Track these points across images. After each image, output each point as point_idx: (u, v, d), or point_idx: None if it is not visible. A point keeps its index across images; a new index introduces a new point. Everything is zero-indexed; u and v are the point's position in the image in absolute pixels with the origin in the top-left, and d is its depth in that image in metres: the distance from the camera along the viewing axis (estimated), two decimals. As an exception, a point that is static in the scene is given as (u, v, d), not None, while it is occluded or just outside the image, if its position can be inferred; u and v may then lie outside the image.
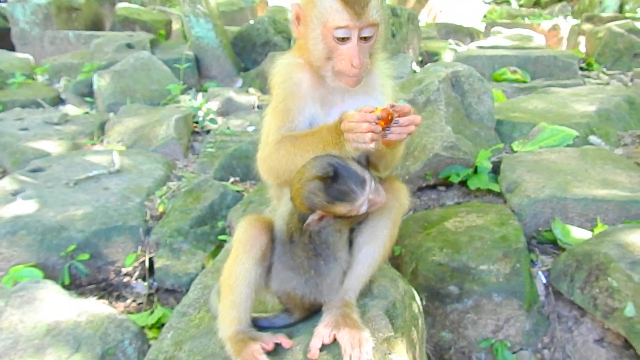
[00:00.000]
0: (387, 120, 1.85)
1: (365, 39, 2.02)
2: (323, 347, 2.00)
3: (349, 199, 1.92)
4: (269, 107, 2.22)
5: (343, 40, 2.00)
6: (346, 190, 1.91)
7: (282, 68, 2.18)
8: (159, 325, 3.49)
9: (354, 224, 2.15)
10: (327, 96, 2.13)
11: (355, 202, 1.93)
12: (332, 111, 2.10)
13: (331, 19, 1.98)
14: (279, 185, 2.23)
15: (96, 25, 11.13)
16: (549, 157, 4.15)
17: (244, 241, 2.13)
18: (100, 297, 3.76)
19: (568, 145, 4.46)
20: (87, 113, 6.55)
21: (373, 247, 2.18)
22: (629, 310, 2.71)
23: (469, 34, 12.48)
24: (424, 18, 16.26)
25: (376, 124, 1.82)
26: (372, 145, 1.83)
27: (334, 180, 1.90)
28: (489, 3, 21.75)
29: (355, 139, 1.84)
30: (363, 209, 1.97)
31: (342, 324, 2.01)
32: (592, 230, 3.42)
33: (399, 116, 1.86)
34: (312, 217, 1.97)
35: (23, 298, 2.91)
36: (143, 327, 3.31)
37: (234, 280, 2.10)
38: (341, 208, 1.94)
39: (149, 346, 2.92)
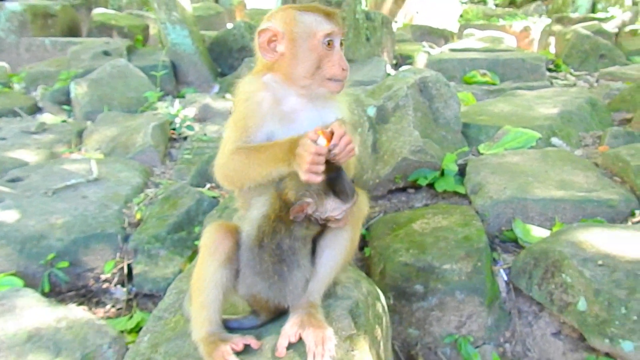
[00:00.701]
0: (329, 140, 2.01)
1: (341, 44, 2.25)
2: (290, 346, 2.13)
3: (341, 198, 2.12)
4: (230, 119, 2.35)
5: (329, 46, 2.20)
6: (343, 190, 2.12)
7: (245, 87, 2.32)
8: (137, 330, 3.59)
9: (314, 234, 2.29)
10: (287, 114, 2.26)
11: (345, 204, 2.13)
12: (290, 127, 2.23)
13: (319, 30, 2.18)
14: (237, 188, 2.37)
15: (73, 31, 11.13)
16: (512, 159, 4.33)
17: (209, 245, 2.26)
18: (80, 304, 3.85)
19: (531, 147, 4.65)
20: (64, 121, 6.62)
21: (334, 250, 2.32)
22: (581, 304, 2.89)
23: (443, 36, 12.68)
24: (401, 19, 16.44)
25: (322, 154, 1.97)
26: (317, 179, 1.98)
27: (336, 178, 2.11)
28: (465, 3, 22.00)
29: (305, 169, 1.98)
30: (340, 215, 2.15)
31: (307, 323, 2.15)
32: (550, 229, 3.60)
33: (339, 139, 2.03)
34: (298, 204, 2.11)
35: (4, 306, 3.02)
36: (122, 332, 3.43)
37: (202, 283, 2.23)
38: (331, 204, 2.12)
39: (128, 350, 3.04)
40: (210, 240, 2.27)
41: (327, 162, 2.03)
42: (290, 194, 2.14)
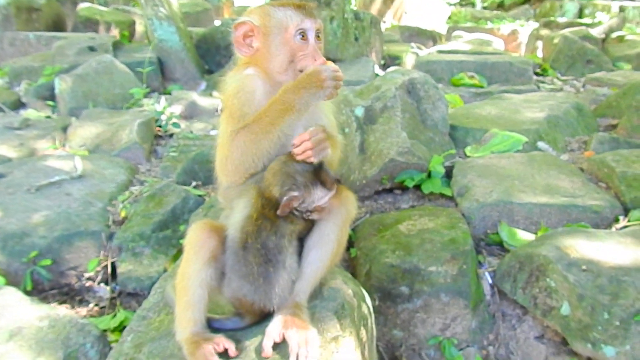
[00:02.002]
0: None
1: (318, 38, 2.31)
2: (275, 347, 2.12)
3: (327, 186, 2.19)
4: (223, 115, 2.35)
5: (303, 40, 2.28)
6: (328, 179, 2.20)
7: (234, 80, 2.36)
8: (121, 329, 3.56)
9: (304, 231, 2.29)
10: None
11: (330, 191, 2.20)
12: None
13: (291, 23, 2.27)
14: (247, 175, 2.32)
15: (57, 26, 10.98)
16: (499, 162, 4.35)
17: (193, 244, 2.25)
18: (63, 302, 3.82)
19: (517, 151, 4.67)
20: (48, 117, 6.55)
21: (321, 251, 2.31)
22: (565, 309, 2.91)
23: (432, 37, 12.71)
24: (390, 20, 16.48)
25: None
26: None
27: (320, 167, 2.19)
28: (453, 5, 22.06)
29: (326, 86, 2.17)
30: (326, 203, 2.21)
31: (290, 323, 2.14)
32: (536, 233, 3.62)
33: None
34: (286, 199, 2.14)
35: (-15, 304, 2.99)
36: (105, 331, 3.40)
37: (186, 282, 2.22)
38: (318, 194, 2.18)
39: (111, 349, 3.02)
40: (195, 239, 2.26)
41: None
42: (275, 190, 2.15)
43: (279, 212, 2.16)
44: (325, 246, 2.32)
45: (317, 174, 2.19)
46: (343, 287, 2.50)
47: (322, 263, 2.33)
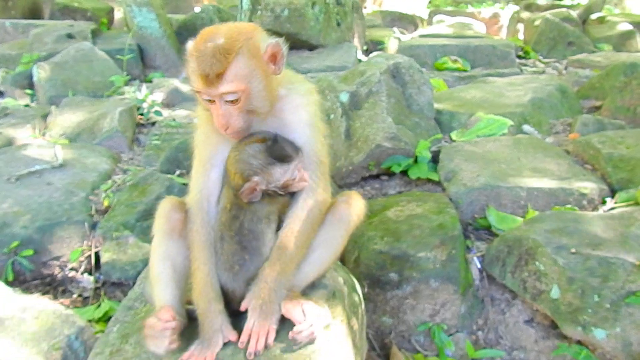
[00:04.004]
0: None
1: (232, 101, 2.05)
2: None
3: (286, 160, 2.13)
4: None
5: (210, 102, 2.07)
6: (284, 153, 2.13)
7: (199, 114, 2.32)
8: (106, 319, 3.51)
9: (281, 210, 2.25)
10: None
11: (290, 164, 2.14)
12: None
13: (193, 82, 2.06)
14: None
15: (34, 13, 10.78)
16: (485, 146, 4.33)
17: (157, 217, 2.27)
18: (46, 293, 3.75)
19: (503, 134, 4.66)
20: (27, 106, 6.42)
21: (326, 251, 2.30)
22: (554, 292, 2.90)
23: (413, 22, 12.65)
24: (370, 5, 16.39)
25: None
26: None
27: (274, 144, 2.12)
28: (434, -12, 21.98)
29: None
30: (295, 175, 2.17)
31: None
32: (523, 217, 3.61)
33: None
34: (246, 186, 2.11)
35: (-34, 296, 2.92)
36: (90, 321, 3.34)
37: (152, 257, 2.23)
38: (278, 171, 2.13)
39: (96, 340, 2.97)
40: (159, 212, 2.27)
41: (256, 134, 2.15)
42: (237, 177, 2.12)
43: (243, 199, 2.13)
44: (330, 249, 2.31)
45: (272, 151, 2.12)
46: (333, 275, 2.47)
47: (324, 266, 2.33)
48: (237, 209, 2.18)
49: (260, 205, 2.19)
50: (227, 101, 2.04)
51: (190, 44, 2.11)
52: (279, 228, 2.25)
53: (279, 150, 2.13)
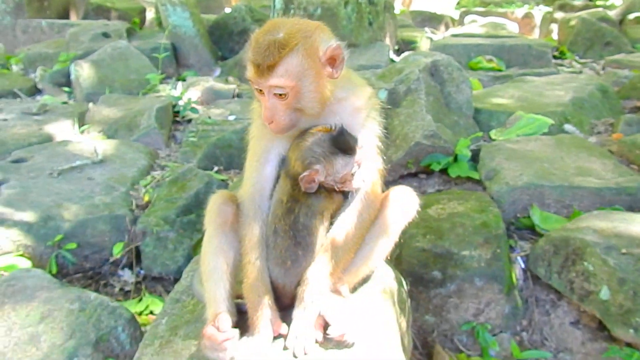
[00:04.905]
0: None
1: (280, 95, 2.04)
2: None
3: (349, 152, 2.10)
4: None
5: (260, 93, 2.08)
6: (348, 145, 2.10)
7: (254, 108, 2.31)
8: (147, 313, 3.54)
9: (334, 210, 2.22)
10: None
11: (352, 157, 2.11)
12: None
13: (247, 70, 2.07)
14: None
15: (68, 13, 10.94)
16: (526, 145, 4.27)
17: (209, 210, 2.24)
18: (87, 286, 3.79)
19: (544, 134, 4.58)
20: (65, 103, 6.50)
21: (378, 247, 2.25)
22: (604, 293, 2.84)
23: (444, 22, 12.58)
24: (398, 5, 16.35)
25: None
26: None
27: (339, 135, 2.09)
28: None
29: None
30: (355, 169, 2.13)
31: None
32: (568, 217, 3.55)
33: None
34: (307, 172, 2.08)
35: (14, 287, 2.97)
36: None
37: (205, 251, 2.20)
38: (339, 162, 2.10)
39: (142, 332, 2.99)
40: (210, 207, 2.25)
41: (322, 124, 2.13)
42: (298, 165, 2.10)
43: (302, 187, 2.10)
44: (382, 245, 2.26)
45: (337, 141, 2.10)
46: (384, 271, 2.44)
47: (375, 262, 2.30)
48: (293, 201, 2.15)
49: (316, 200, 2.16)
50: (275, 94, 2.04)
51: (254, 33, 2.11)
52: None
53: (343, 141, 2.09)
